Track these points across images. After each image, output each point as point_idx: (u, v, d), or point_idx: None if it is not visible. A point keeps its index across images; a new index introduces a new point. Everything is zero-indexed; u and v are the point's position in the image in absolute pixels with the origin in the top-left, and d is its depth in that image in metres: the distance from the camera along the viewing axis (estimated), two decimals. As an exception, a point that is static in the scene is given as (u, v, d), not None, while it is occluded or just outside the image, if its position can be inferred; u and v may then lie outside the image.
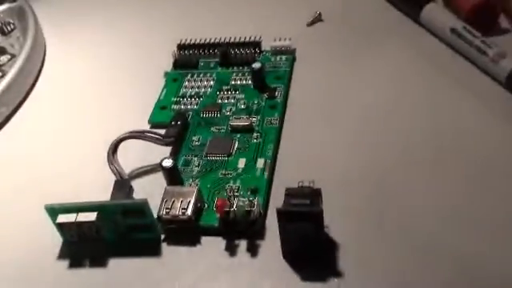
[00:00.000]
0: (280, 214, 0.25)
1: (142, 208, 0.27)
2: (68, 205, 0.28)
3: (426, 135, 0.32)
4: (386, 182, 0.30)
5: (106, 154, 0.31)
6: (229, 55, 0.38)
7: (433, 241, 0.27)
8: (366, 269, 0.26)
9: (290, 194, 0.26)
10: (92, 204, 0.28)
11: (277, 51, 0.38)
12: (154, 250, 0.28)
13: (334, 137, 0.33)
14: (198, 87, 0.37)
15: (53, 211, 0.28)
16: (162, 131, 0.33)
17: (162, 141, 0.32)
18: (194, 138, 0.33)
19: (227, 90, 0.36)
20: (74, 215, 0.28)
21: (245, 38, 0.39)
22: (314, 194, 0.26)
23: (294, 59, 0.38)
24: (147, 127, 0.35)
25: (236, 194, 0.29)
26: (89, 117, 0.37)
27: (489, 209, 0.28)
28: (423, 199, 0.29)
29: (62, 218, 0.28)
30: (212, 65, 0.39)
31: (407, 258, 0.26)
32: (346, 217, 0.28)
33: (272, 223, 0.28)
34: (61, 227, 0.28)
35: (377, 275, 0.26)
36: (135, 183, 0.31)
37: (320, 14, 0.42)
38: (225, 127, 0.34)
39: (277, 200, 0.29)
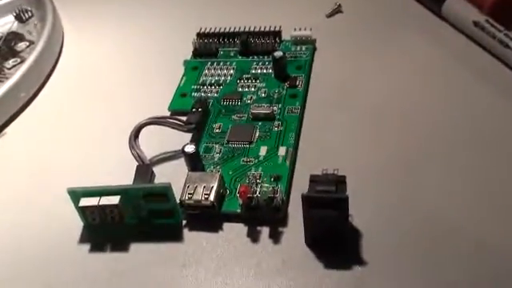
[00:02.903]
0: (305, 199, 0.25)
1: (166, 192, 0.27)
2: (90, 188, 0.28)
3: (448, 127, 0.32)
4: (409, 171, 0.30)
5: (127, 140, 0.31)
6: (249, 44, 0.38)
7: (457, 230, 0.26)
8: (389, 258, 0.26)
9: (314, 180, 0.26)
10: (115, 188, 0.28)
11: (297, 41, 0.38)
12: (175, 235, 0.28)
13: (354, 127, 0.33)
14: (218, 75, 0.37)
15: (75, 195, 0.28)
16: (183, 118, 0.33)
17: (183, 127, 0.32)
18: (215, 126, 0.33)
19: (248, 79, 0.36)
20: (97, 199, 0.28)
21: (265, 28, 0.39)
22: (340, 181, 0.26)
23: (314, 49, 0.38)
24: (167, 114, 0.35)
25: (258, 180, 0.29)
26: (108, 104, 0.37)
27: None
28: (448, 188, 0.28)
29: (85, 202, 0.28)
30: (232, 53, 0.39)
31: (431, 246, 0.26)
32: (368, 205, 0.28)
33: (294, 211, 0.28)
34: (83, 211, 0.28)
35: (400, 264, 0.26)
36: (156, 169, 0.31)
37: (340, 6, 0.42)
38: (246, 115, 0.33)
39: (299, 188, 0.29)
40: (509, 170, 0.29)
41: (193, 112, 0.33)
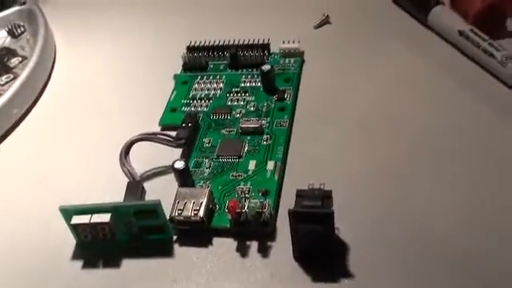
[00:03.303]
0: (292, 215, 0.26)
1: (155, 209, 0.28)
2: (82, 206, 0.28)
3: (434, 137, 0.32)
4: (396, 183, 0.30)
5: (118, 156, 0.32)
6: (238, 57, 0.38)
7: (444, 241, 0.27)
8: (376, 270, 0.26)
9: (301, 195, 0.27)
10: (106, 205, 0.28)
11: (285, 53, 0.39)
12: (166, 251, 0.29)
13: (342, 138, 0.33)
14: (208, 89, 0.37)
15: (67, 213, 0.28)
16: (173, 133, 0.33)
17: (173, 143, 0.33)
18: (205, 140, 0.34)
19: (237, 93, 0.37)
20: (88, 216, 0.28)
21: (253, 41, 0.39)
22: (325, 196, 0.26)
23: (302, 61, 0.39)
24: (158, 129, 0.35)
25: (247, 195, 0.30)
26: (100, 119, 0.38)
27: (500, 210, 0.28)
28: (433, 200, 0.29)
29: (77, 220, 0.28)
30: (221, 67, 0.39)
31: (418, 259, 0.27)
32: (356, 218, 0.28)
33: (283, 225, 0.29)
34: (75, 228, 0.29)
35: (387, 277, 0.26)
36: (147, 185, 0.32)
37: (328, 17, 0.42)
38: (235, 129, 0.34)
39: (287, 202, 0.29)
40: (493, 177, 0.30)
41: (183, 127, 0.34)
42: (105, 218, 0.28)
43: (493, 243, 0.27)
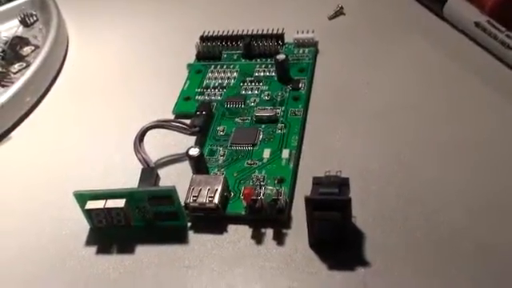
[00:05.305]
0: (308, 202, 0.25)
1: (171, 194, 0.28)
2: (97, 191, 0.28)
3: (451, 128, 0.32)
4: (412, 172, 0.30)
5: (132, 144, 0.32)
6: (252, 47, 0.38)
7: (458, 230, 0.27)
8: (392, 259, 0.26)
9: (318, 182, 0.26)
10: (121, 191, 0.28)
11: (299, 44, 0.39)
12: (180, 238, 0.29)
13: (357, 128, 0.33)
14: (222, 78, 0.37)
15: (82, 198, 0.28)
16: (187, 121, 0.33)
17: (187, 130, 0.32)
18: (219, 128, 0.33)
19: (251, 82, 0.36)
20: (103, 202, 0.28)
21: (267, 30, 0.39)
22: (343, 184, 0.26)
23: (316, 52, 0.38)
24: (172, 118, 0.35)
25: (262, 183, 0.29)
26: (113, 107, 0.38)
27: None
28: (450, 189, 0.29)
29: (91, 205, 0.28)
30: (235, 56, 0.39)
31: (434, 247, 0.26)
32: (372, 207, 0.28)
33: (298, 213, 0.28)
34: (89, 213, 0.28)
35: (403, 265, 0.26)
36: (161, 172, 0.32)
37: (342, 8, 0.42)
38: (249, 118, 0.34)
39: (302, 190, 0.29)
40: (510, 170, 0.29)
41: (197, 115, 0.34)
42: (120, 203, 0.28)
43: (509, 234, 0.26)
